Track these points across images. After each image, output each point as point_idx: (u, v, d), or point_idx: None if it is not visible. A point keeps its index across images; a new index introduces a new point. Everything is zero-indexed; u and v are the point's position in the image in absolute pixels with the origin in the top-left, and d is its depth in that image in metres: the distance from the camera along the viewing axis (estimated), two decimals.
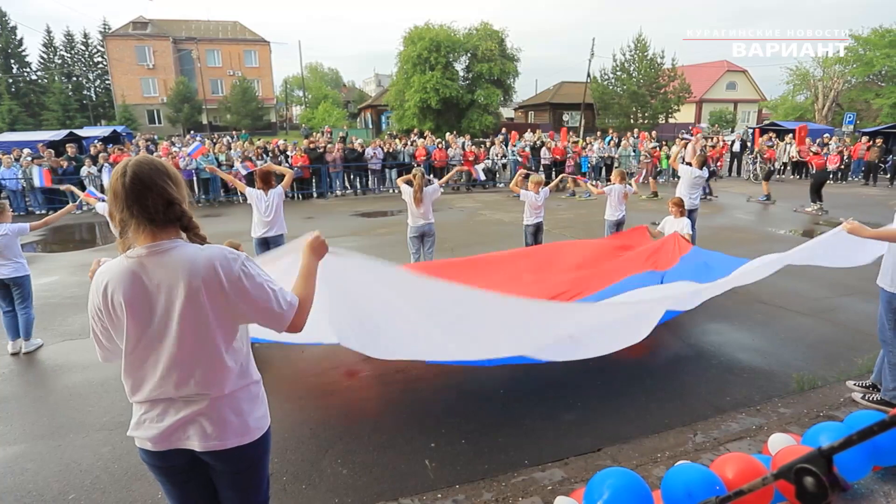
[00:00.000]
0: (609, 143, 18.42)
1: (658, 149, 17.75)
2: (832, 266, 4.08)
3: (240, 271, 1.55)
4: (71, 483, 3.00)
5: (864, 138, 17.69)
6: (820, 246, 3.75)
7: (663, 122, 33.74)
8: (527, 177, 7.11)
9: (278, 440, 3.29)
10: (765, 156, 16.30)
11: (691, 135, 15.79)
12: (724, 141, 19.72)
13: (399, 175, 15.50)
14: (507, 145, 17.55)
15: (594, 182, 15.67)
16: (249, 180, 10.39)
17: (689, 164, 8.06)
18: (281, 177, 5.94)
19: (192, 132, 33.77)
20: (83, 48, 45.34)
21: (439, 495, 2.82)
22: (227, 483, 1.71)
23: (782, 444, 2.63)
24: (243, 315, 1.61)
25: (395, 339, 3.25)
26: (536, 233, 6.99)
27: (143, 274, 1.51)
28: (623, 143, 18.35)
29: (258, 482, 1.77)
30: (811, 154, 14.90)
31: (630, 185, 7.33)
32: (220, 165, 14.36)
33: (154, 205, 1.51)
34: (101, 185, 12.74)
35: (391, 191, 15.49)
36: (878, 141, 17.29)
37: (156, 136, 23.18)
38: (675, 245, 5.23)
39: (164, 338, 1.53)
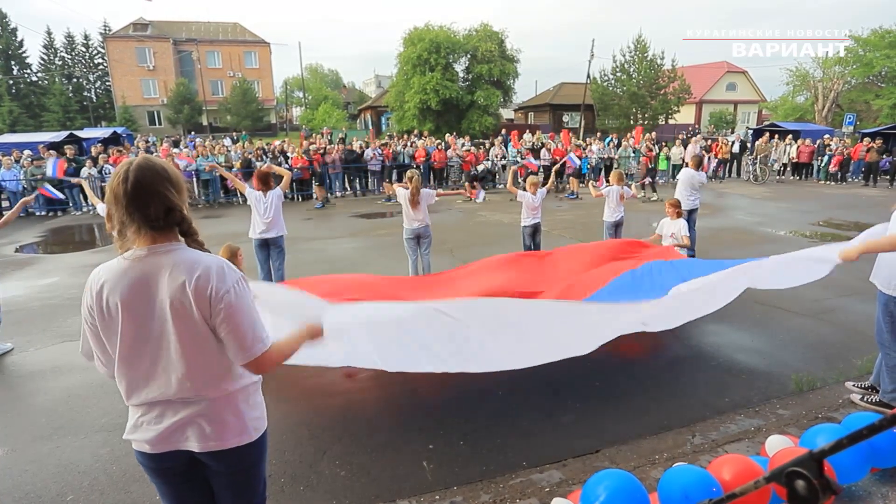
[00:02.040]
0: (609, 145, 18.44)
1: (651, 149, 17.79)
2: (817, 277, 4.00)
3: (231, 287, 1.53)
4: (69, 484, 3.00)
5: (867, 139, 17.64)
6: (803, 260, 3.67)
7: (663, 122, 33.73)
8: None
9: (277, 441, 3.30)
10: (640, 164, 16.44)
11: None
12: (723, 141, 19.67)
13: (399, 177, 15.56)
14: (507, 146, 17.56)
15: (593, 184, 15.66)
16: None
17: (687, 165, 8.10)
18: (280, 178, 5.95)
19: (191, 133, 33.79)
20: (84, 49, 45.48)
21: (437, 497, 2.81)
22: (224, 484, 1.72)
23: (780, 446, 2.62)
24: (217, 329, 1.55)
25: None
26: (534, 234, 7.00)
27: (139, 276, 1.51)
28: (623, 143, 18.38)
29: (255, 483, 1.78)
30: (647, 151, 16.44)
31: (628, 186, 7.33)
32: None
33: (155, 211, 1.51)
34: (102, 188, 12.76)
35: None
36: (878, 142, 17.27)
37: (152, 137, 23.11)
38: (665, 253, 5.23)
39: (160, 340, 1.53)
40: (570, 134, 20.73)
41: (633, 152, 17.87)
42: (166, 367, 1.54)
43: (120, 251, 1.57)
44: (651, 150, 17.36)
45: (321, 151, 15.23)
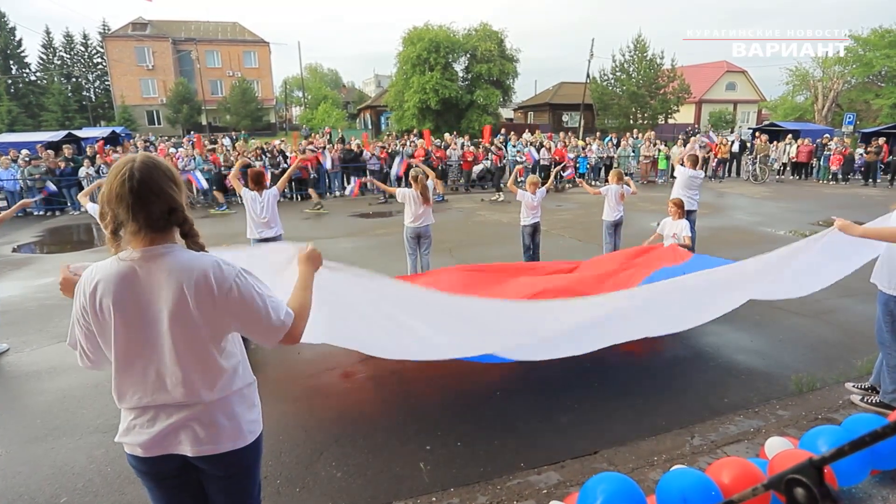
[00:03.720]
0: (608, 144, 18.42)
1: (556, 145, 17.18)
2: (825, 285, 4.04)
3: (233, 282, 1.52)
4: (63, 486, 2.97)
5: (881, 139, 17.51)
6: (810, 254, 3.66)
7: (663, 122, 33.71)
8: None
9: (273, 442, 3.27)
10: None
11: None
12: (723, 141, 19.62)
13: (398, 177, 15.51)
14: (506, 146, 17.52)
15: (592, 182, 15.66)
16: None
17: (683, 164, 8.03)
18: (276, 178, 5.93)
19: (191, 133, 33.75)
20: (82, 49, 45.44)
21: (434, 498, 2.79)
22: (219, 488, 1.69)
23: (779, 448, 2.60)
24: (231, 325, 1.57)
25: (388, 339, 3.34)
26: (534, 233, 6.98)
27: (134, 277, 1.49)
28: (622, 143, 18.37)
29: (250, 487, 1.75)
30: (495, 152, 15.96)
31: (627, 185, 7.30)
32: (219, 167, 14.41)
33: (160, 212, 1.49)
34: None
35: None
36: (877, 142, 17.26)
37: (152, 137, 23.11)
38: (670, 253, 5.16)
39: (154, 343, 1.51)
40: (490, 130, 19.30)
41: (634, 151, 17.82)
42: (161, 371, 1.52)
43: (112, 251, 1.54)
44: (501, 150, 16.85)
45: (321, 149, 15.19)
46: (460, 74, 32.61)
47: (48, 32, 43.84)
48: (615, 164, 17.14)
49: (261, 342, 1.63)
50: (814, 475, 0.72)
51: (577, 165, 17.18)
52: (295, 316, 1.66)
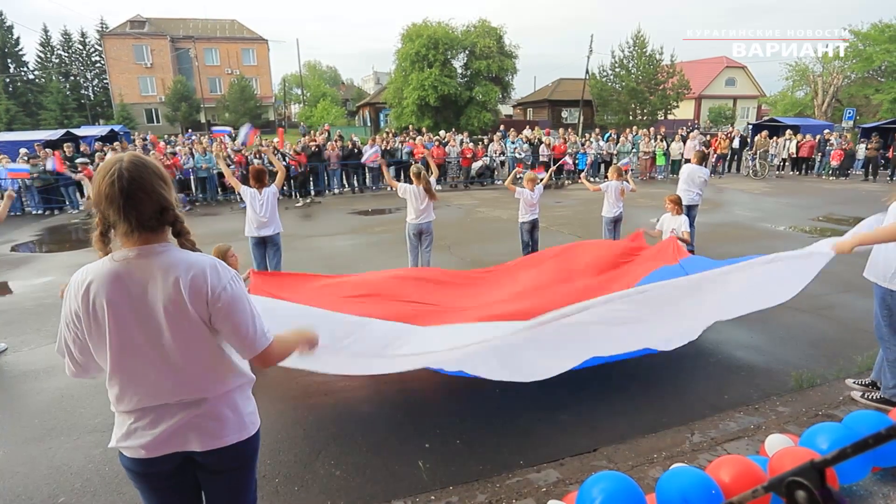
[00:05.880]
0: (608, 140, 18.37)
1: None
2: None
3: (227, 284, 1.51)
4: (61, 486, 2.97)
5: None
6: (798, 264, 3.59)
7: (662, 118, 33.60)
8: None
9: (271, 441, 3.27)
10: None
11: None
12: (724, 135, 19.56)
13: (397, 173, 15.48)
14: (505, 143, 17.49)
15: (591, 179, 15.62)
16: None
17: (688, 160, 8.03)
18: (274, 175, 5.91)
19: (190, 131, 33.68)
20: (81, 47, 45.27)
21: (433, 497, 2.78)
22: (219, 484, 1.69)
23: (779, 446, 2.59)
24: (217, 329, 1.55)
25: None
26: (532, 230, 6.97)
27: (128, 277, 1.46)
28: (622, 139, 18.31)
29: (249, 482, 1.77)
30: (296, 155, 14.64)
31: (627, 181, 7.28)
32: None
33: (152, 212, 1.47)
34: None
35: (389, 189, 15.41)
36: (876, 138, 17.25)
37: (148, 135, 23.05)
38: (672, 252, 5.09)
39: (152, 342, 1.49)
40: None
41: (634, 148, 17.75)
42: (162, 371, 1.50)
43: (101, 254, 1.51)
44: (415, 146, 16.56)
45: (309, 151, 15.06)
46: (459, 71, 32.49)
47: (46, 31, 43.68)
48: (615, 161, 17.10)
49: (238, 351, 1.61)
50: (815, 477, 0.71)
51: (577, 161, 17.15)
52: (274, 343, 1.63)
